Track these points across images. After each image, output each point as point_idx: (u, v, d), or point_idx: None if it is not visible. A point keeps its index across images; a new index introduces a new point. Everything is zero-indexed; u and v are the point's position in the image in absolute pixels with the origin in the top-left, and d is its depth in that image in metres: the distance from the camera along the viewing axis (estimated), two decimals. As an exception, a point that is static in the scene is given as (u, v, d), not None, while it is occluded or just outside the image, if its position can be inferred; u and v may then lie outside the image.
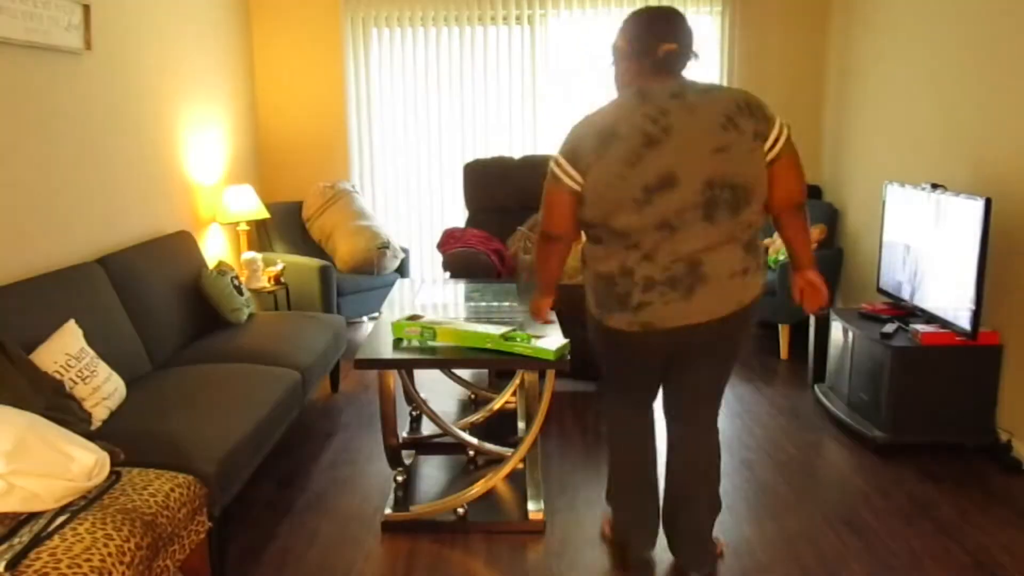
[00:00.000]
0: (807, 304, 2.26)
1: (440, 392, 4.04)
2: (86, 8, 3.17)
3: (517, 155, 5.22)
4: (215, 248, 4.58)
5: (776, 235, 4.88)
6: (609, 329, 2.20)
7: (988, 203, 2.99)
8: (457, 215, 5.43)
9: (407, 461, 3.19)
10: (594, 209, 2.09)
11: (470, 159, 5.10)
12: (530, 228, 4.27)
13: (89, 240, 3.26)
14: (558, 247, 2.27)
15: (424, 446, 3.33)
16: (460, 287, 3.47)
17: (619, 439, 2.45)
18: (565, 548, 2.58)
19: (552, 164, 2.16)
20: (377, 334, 2.74)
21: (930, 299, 3.38)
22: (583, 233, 2.24)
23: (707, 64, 5.21)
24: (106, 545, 1.80)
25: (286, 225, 5.02)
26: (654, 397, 2.43)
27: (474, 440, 3.17)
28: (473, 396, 3.93)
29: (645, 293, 2.10)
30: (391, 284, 4.91)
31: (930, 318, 3.38)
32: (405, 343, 2.60)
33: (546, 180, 2.18)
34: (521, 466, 3.03)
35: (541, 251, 2.32)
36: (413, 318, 2.65)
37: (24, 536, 1.77)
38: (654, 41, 2.18)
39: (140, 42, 3.71)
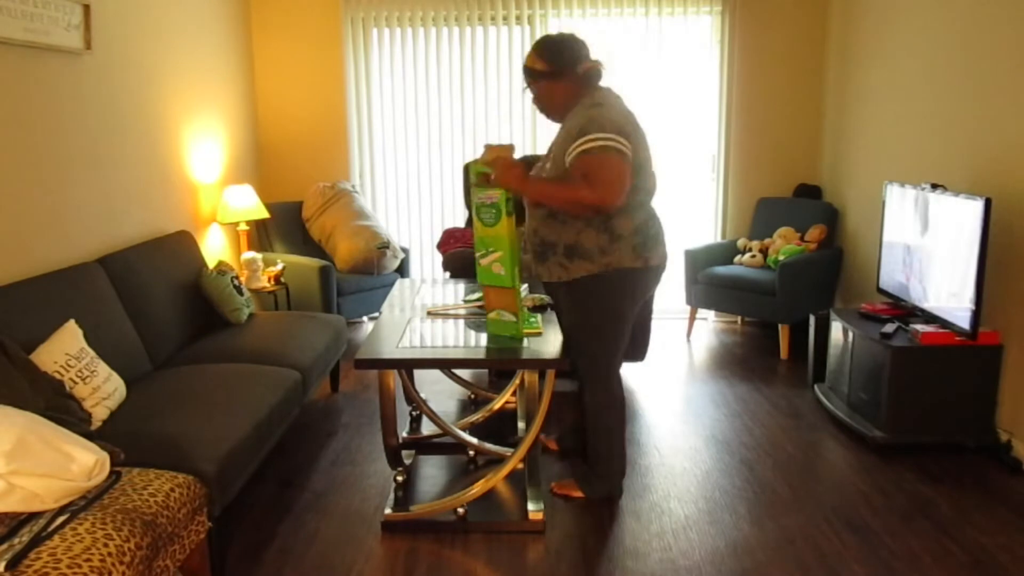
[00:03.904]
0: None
1: (440, 392, 4.04)
2: (86, 8, 3.17)
3: (517, 155, 5.21)
4: (215, 248, 4.58)
5: (776, 235, 4.88)
6: (649, 268, 2.72)
7: (988, 203, 2.99)
8: (457, 215, 5.43)
9: (407, 461, 3.19)
10: (640, 173, 2.63)
11: (470, 159, 5.10)
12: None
13: (89, 240, 3.26)
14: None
15: (424, 446, 3.33)
16: (460, 287, 3.47)
17: (620, 390, 2.85)
18: (565, 548, 2.58)
19: (607, 143, 2.50)
20: (377, 334, 2.74)
21: (930, 299, 3.39)
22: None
23: (707, 64, 5.21)
24: (106, 545, 1.80)
25: (286, 225, 5.02)
26: None
27: (474, 440, 3.17)
28: (473, 396, 3.93)
29: (661, 232, 2.78)
30: (391, 284, 4.91)
31: (930, 318, 3.38)
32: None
33: (606, 158, 2.50)
34: (521, 466, 3.03)
35: (572, 206, 2.59)
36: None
37: (24, 536, 1.77)
38: (579, 58, 2.71)
39: (140, 42, 3.71)
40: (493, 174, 2.59)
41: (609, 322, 2.73)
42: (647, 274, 2.72)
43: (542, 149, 5.30)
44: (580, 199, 2.51)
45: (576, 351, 2.80)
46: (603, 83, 2.76)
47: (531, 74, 2.74)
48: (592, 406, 2.83)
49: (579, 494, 2.91)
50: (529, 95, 2.82)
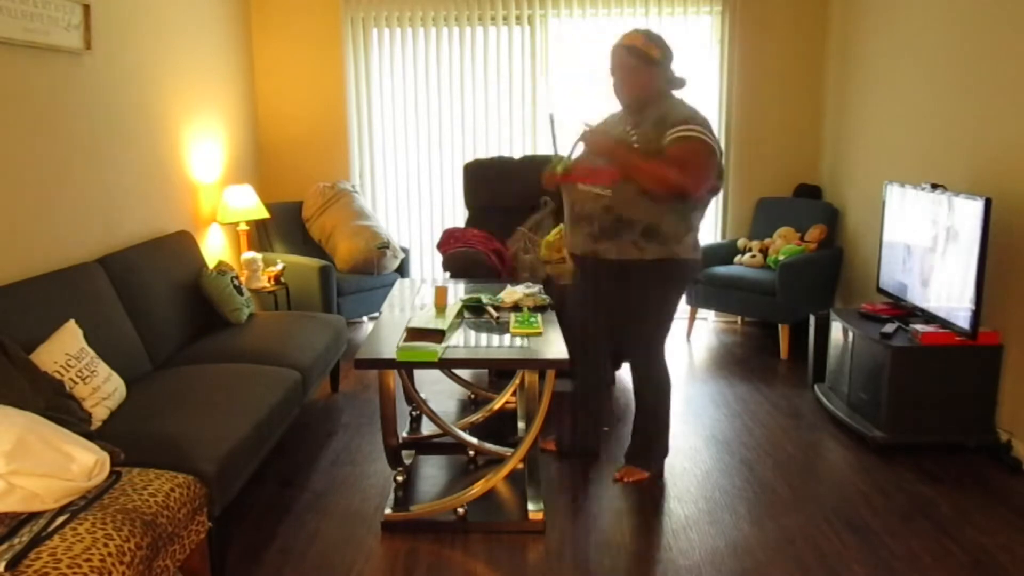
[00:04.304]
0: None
1: (440, 392, 4.04)
2: (86, 8, 3.17)
3: (517, 155, 5.22)
4: (215, 248, 4.58)
5: (776, 235, 4.88)
6: (699, 261, 2.91)
7: (988, 203, 2.99)
8: (457, 215, 5.43)
9: (407, 461, 3.19)
10: (719, 178, 2.81)
11: (470, 159, 5.10)
12: (530, 228, 4.27)
13: (89, 240, 3.26)
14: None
15: (424, 446, 3.33)
16: (460, 287, 3.47)
17: (667, 367, 3.02)
18: (565, 548, 2.58)
19: (709, 139, 2.71)
20: (377, 334, 2.74)
21: (930, 299, 3.38)
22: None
23: (707, 64, 5.21)
24: (106, 545, 1.80)
25: (286, 225, 5.02)
26: None
27: (474, 440, 3.17)
28: (473, 396, 3.93)
29: None
30: (391, 284, 4.91)
31: (930, 318, 3.38)
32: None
33: (704, 150, 2.68)
34: (521, 466, 3.03)
35: (660, 186, 2.67)
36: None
37: (24, 536, 1.77)
38: (672, 62, 2.89)
39: (140, 42, 3.71)
40: (595, 150, 2.80)
41: (672, 306, 2.95)
42: (699, 265, 2.95)
43: (542, 150, 5.29)
44: (668, 179, 2.65)
45: (630, 336, 2.98)
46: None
47: (642, 57, 2.81)
48: (651, 385, 3.01)
49: (645, 475, 3.06)
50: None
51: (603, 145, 2.77)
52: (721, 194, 5.33)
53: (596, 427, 3.29)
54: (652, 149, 2.72)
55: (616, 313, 3.02)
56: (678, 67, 2.91)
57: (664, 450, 3.11)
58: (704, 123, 2.73)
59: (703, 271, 4.84)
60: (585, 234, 2.86)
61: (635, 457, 3.10)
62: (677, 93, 2.92)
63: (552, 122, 2.94)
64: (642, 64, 2.80)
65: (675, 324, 5.19)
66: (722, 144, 5.21)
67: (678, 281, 2.91)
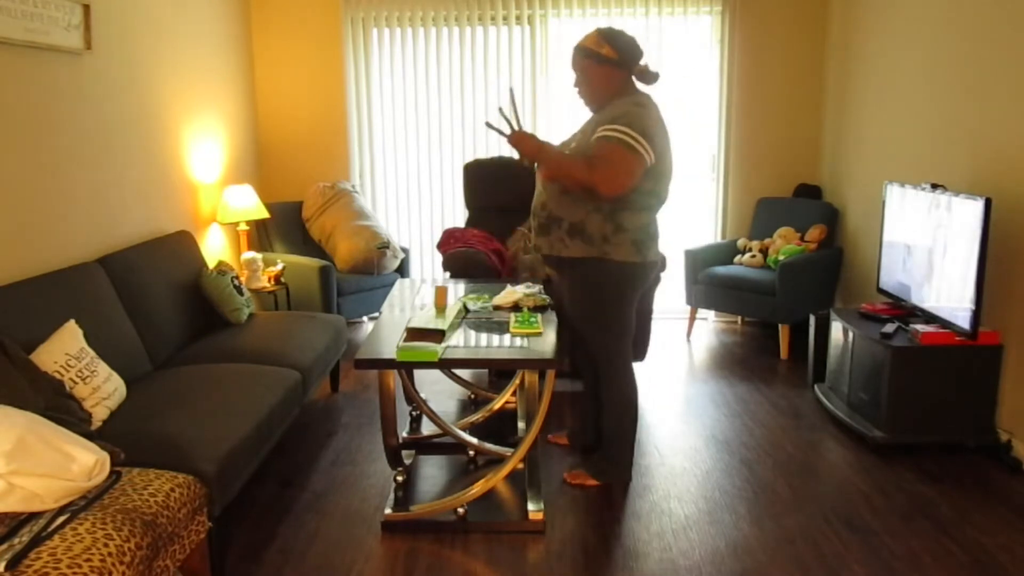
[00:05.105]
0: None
1: (440, 392, 4.04)
2: (86, 8, 3.17)
3: (517, 155, 5.21)
4: (215, 248, 4.58)
5: (776, 235, 4.88)
6: (646, 263, 2.80)
7: (988, 203, 2.99)
8: (457, 215, 5.43)
9: (407, 461, 3.19)
10: (660, 181, 2.75)
11: (470, 159, 5.10)
12: (530, 228, 4.27)
13: (89, 240, 3.26)
14: (581, 195, 2.73)
15: (424, 446, 3.33)
16: (460, 287, 3.47)
17: (632, 378, 2.92)
18: (565, 548, 2.58)
19: (628, 139, 2.60)
20: (377, 334, 2.74)
21: (930, 299, 3.39)
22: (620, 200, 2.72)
23: (707, 64, 5.21)
24: (106, 545, 1.80)
25: (286, 225, 5.02)
26: None
27: (474, 440, 3.17)
28: (473, 396, 3.93)
29: (658, 233, 2.88)
30: (391, 284, 4.91)
31: (930, 318, 3.38)
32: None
33: (619, 150, 2.60)
34: (521, 466, 3.03)
35: (572, 183, 2.67)
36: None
37: (24, 536, 1.77)
38: (638, 56, 2.80)
39: (140, 42, 3.71)
40: (518, 150, 2.76)
41: (611, 310, 2.82)
42: (643, 268, 2.82)
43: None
44: (579, 177, 2.63)
45: (586, 342, 2.90)
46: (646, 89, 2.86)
47: (593, 57, 2.75)
48: (610, 394, 2.91)
49: (593, 482, 2.98)
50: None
51: (527, 146, 2.72)
52: (721, 194, 5.33)
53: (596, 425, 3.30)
54: (583, 148, 2.71)
55: (566, 313, 2.94)
56: (668, 65, 2.91)
57: (619, 464, 3.00)
58: (633, 123, 2.61)
59: (705, 271, 4.85)
60: (533, 228, 2.95)
61: (589, 463, 3.07)
62: (648, 88, 2.85)
63: (512, 97, 2.91)
64: (593, 63, 2.76)
65: (674, 325, 5.25)
66: (721, 144, 5.23)
67: (611, 284, 2.78)
